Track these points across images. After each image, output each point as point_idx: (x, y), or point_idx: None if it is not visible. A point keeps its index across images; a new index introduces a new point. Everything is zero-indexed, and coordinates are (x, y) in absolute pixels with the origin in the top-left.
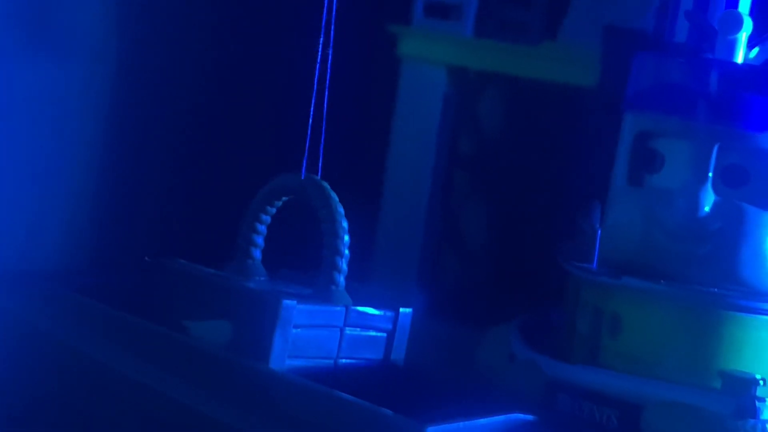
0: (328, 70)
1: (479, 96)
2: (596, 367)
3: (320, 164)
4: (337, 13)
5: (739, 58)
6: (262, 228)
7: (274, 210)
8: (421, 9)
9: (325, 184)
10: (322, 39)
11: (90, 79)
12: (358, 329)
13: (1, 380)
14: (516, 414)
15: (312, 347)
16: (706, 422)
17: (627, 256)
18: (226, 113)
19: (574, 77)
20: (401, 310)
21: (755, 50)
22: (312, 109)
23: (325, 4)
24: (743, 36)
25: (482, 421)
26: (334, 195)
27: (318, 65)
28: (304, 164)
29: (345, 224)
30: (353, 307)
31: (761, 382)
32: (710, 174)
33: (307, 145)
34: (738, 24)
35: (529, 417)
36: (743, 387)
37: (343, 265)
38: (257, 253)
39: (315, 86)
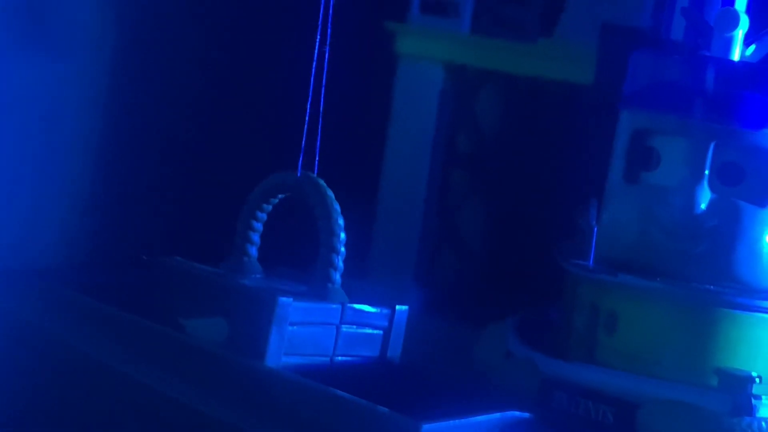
0: (325, 68)
1: (476, 93)
2: (593, 365)
3: (317, 161)
4: (334, 10)
5: (736, 56)
6: (259, 225)
7: (270, 207)
8: (418, 6)
9: (322, 182)
10: (318, 36)
11: (87, 75)
12: (355, 326)
13: None
14: (512, 411)
15: (308, 344)
16: (702, 420)
17: (624, 253)
18: (223, 110)
19: (571, 75)
20: (398, 307)
21: (752, 48)
22: (308, 106)
23: (322, 2)
24: (740, 33)
25: (478, 418)
26: (330, 192)
27: (315, 62)
28: (301, 161)
29: (341, 221)
30: (349, 305)
31: (757, 380)
32: (706, 171)
33: (304, 142)
34: (734, 21)
35: (526, 414)
36: (739, 385)
37: (340, 262)
38: (253, 251)
39: (311, 83)
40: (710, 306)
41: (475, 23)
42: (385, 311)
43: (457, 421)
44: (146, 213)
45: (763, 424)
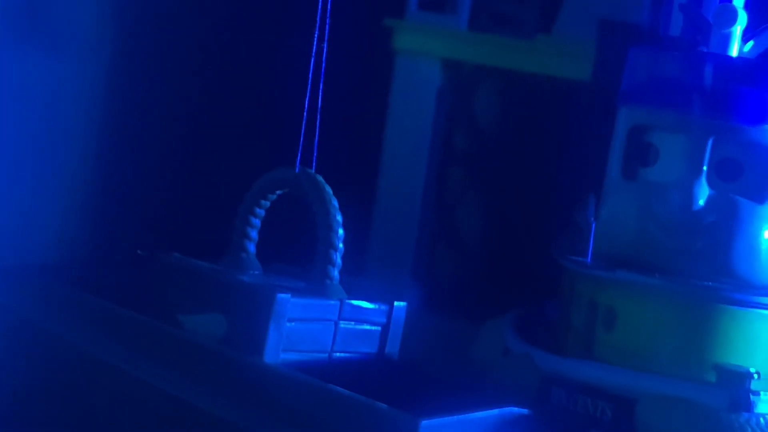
0: (323, 64)
1: (473, 89)
2: (591, 361)
3: (314, 158)
4: (332, 7)
5: (734, 52)
6: (257, 222)
7: (268, 204)
8: (416, 2)
9: (320, 178)
10: (316, 33)
11: (85, 73)
12: (353, 323)
13: None
14: (510, 408)
15: (306, 341)
16: (700, 416)
17: (621, 249)
18: (221, 107)
19: (569, 71)
20: (396, 303)
21: (750, 44)
22: (306, 102)
23: None
24: (738, 29)
25: (476, 414)
26: (328, 189)
27: (313, 59)
28: (299, 158)
29: (339, 218)
30: (347, 301)
31: (755, 376)
32: (704, 167)
33: (302, 138)
34: (733, 17)
35: (524, 411)
36: (737, 380)
37: (338, 258)
38: (251, 247)
39: (309, 80)
40: (708, 302)
41: (473, 20)
42: (383, 307)
43: (455, 417)
44: (144, 209)
45: (761, 419)
